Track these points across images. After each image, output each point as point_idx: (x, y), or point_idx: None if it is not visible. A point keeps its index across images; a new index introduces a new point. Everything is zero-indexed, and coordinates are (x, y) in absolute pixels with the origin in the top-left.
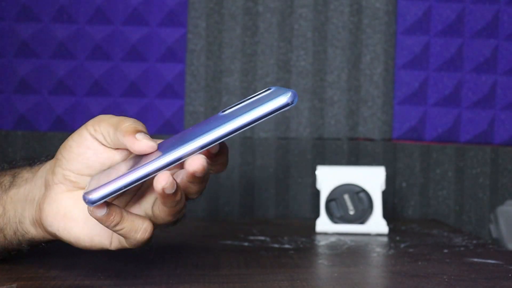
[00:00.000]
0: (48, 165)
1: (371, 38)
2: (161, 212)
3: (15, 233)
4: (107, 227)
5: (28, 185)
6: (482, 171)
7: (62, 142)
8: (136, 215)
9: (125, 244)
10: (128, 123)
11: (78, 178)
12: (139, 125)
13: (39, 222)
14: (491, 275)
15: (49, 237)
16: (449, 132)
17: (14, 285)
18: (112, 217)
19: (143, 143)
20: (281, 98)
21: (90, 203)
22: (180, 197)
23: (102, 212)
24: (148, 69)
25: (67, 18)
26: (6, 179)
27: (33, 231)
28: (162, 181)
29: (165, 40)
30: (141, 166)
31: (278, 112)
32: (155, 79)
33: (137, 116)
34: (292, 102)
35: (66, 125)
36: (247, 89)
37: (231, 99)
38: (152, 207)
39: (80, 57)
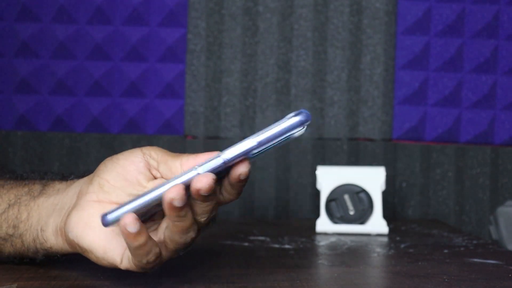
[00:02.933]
0: (86, 178)
1: (371, 38)
2: (169, 231)
3: (34, 240)
4: (130, 244)
5: (60, 195)
6: (482, 171)
7: (62, 142)
8: (153, 239)
9: (133, 265)
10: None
11: (111, 189)
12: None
13: (62, 230)
14: (491, 275)
15: (67, 248)
16: (449, 132)
17: (14, 285)
18: (139, 237)
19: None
20: (294, 118)
21: (105, 221)
22: (185, 213)
23: (134, 229)
24: (148, 69)
25: (67, 18)
26: (36, 187)
27: (52, 240)
28: (173, 193)
29: (165, 40)
30: (156, 188)
31: (292, 131)
32: (155, 79)
33: (137, 116)
34: (305, 120)
35: (66, 125)
36: (247, 89)
37: (231, 99)
38: (164, 231)
39: (80, 57)
